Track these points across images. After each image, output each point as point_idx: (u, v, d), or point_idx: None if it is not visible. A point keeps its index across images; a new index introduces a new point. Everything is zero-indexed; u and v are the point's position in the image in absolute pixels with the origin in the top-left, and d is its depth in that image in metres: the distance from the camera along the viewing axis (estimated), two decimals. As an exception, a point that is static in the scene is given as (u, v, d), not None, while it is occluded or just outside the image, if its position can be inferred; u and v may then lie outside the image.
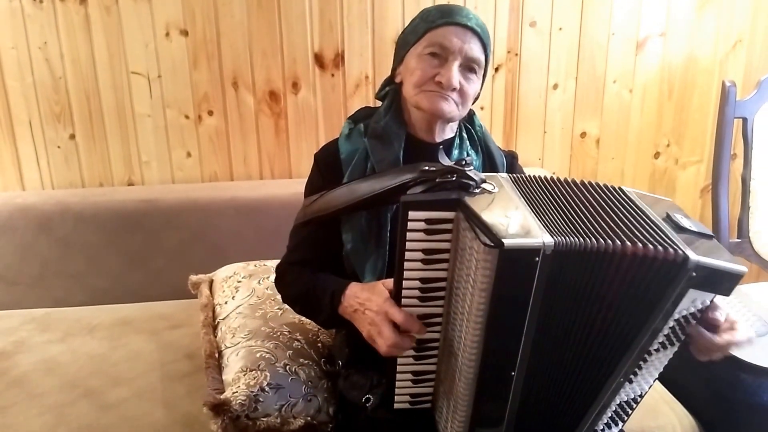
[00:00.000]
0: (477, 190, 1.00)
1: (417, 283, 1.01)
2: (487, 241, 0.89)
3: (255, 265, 1.86)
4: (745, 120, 2.01)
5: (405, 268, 1.00)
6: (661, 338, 0.99)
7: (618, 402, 1.07)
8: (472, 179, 1.00)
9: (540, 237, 0.91)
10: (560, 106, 2.37)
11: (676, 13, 2.32)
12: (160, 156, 2.22)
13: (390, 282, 1.06)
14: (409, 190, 1.04)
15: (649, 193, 1.11)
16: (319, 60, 2.19)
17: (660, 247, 0.93)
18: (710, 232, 1.02)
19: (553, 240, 0.91)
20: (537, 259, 0.91)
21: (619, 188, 1.09)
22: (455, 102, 1.24)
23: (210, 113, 2.20)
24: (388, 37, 2.20)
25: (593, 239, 0.93)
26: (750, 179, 2.04)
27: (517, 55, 2.29)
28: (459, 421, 1.07)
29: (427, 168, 1.06)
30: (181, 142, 2.22)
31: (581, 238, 0.93)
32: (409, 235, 0.96)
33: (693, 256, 0.92)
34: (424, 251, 0.98)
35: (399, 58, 1.32)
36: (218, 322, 1.68)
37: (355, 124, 1.37)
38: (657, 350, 1.01)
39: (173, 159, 2.23)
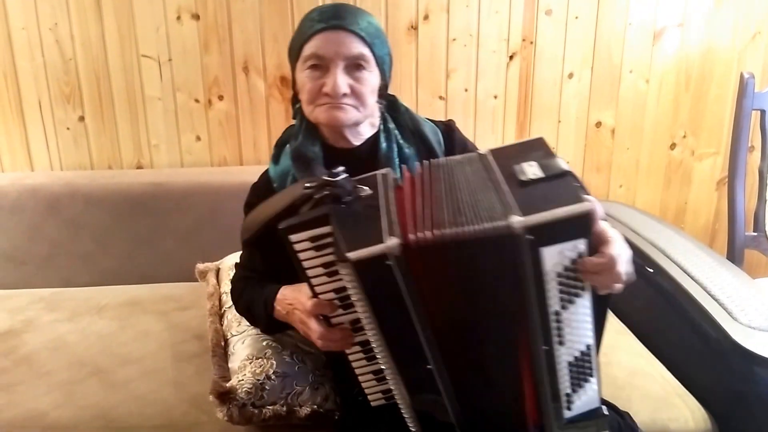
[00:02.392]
0: (350, 198, 1.01)
1: (332, 294, 1.03)
2: (340, 256, 0.93)
3: (263, 251, 1.84)
4: (763, 112, 1.98)
5: (313, 284, 1.03)
6: (557, 297, 0.93)
7: (566, 364, 1.00)
8: (344, 188, 1.01)
9: (384, 241, 0.92)
10: (575, 96, 2.34)
11: (694, 4, 2.27)
12: (170, 139, 2.21)
13: None
14: (301, 208, 1.04)
15: (518, 141, 1.08)
16: (331, 45, 2.17)
17: (486, 224, 0.90)
18: (565, 167, 0.94)
19: (398, 242, 0.91)
20: (388, 262, 0.92)
21: (482, 154, 1.04)
22: (352, 106, 1.21)
23: (220, 98, 2.18)
24: (402, 24, 2.17)
25: (445, 229, 0.92)
26: (767, 172, 2.01)
27: (532, 43, 2.25)
28: (406, 414, 1.11)
29: (307, 185, 1.05)
30: (190, 125, 2.21)
31: (430, 232, 0.92)
32: (301, 255, 0.99)
33: (516, 221, 0.87)
34: (323, 265, 1.00)
35: (293, 78, 1.29)
36: (224, 311, 1.67)
37: (281, 147, 1.35)
38: (564, 307, 0.95)
39: (182, 143, 2.22)
